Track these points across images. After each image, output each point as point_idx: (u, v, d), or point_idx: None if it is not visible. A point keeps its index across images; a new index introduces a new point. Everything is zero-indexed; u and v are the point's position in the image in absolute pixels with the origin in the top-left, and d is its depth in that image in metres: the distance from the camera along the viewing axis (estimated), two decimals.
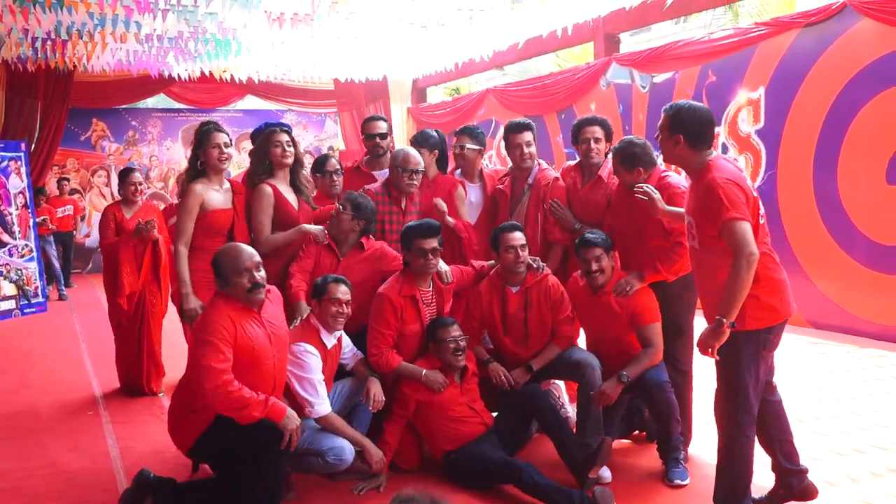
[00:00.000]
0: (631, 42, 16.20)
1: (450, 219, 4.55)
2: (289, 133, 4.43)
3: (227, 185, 4.39)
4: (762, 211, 3.23)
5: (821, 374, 5.82)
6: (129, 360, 5.85)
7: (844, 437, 4.46)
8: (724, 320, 3.01)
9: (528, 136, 4.60)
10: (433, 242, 4.01)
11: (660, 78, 8.84)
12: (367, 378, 3.97)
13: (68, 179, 12.87)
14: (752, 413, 3.19)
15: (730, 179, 3.10)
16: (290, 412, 3.40)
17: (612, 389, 3.91)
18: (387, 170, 4.77)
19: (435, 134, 4.94)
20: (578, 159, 4.60)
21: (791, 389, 5.42)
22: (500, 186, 4.76)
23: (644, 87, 9.05)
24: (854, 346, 6.49)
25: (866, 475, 3.93)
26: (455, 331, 4.00)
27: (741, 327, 3.08)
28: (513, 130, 4.63)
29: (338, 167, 4.81)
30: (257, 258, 3.48)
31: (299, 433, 3.41)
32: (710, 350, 3.09)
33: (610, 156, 4.35)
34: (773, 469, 3.47)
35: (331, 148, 15.17)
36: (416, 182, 4.46)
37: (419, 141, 4.88)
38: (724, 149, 8.06)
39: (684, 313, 4.13)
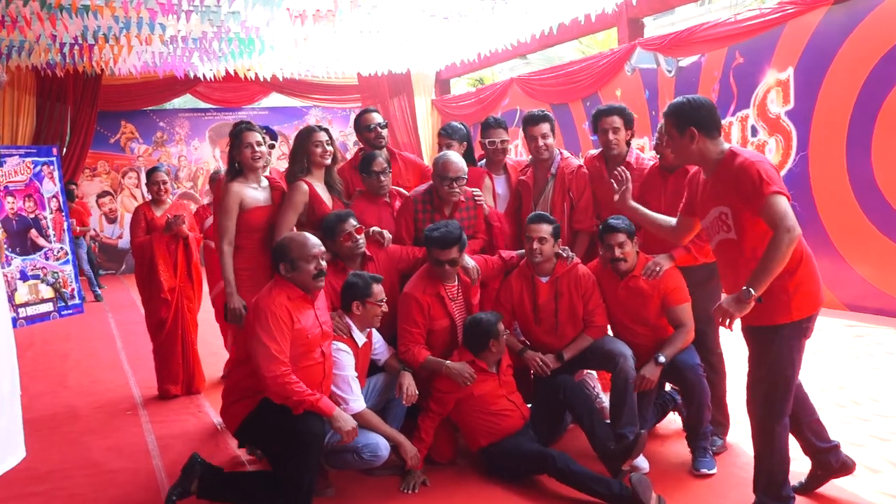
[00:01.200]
0: (654, 26, 16.04)
1: (487, 204, 4.53)
2: (327, 132, 4.44)
3: (265, 182, 4.42)
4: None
5: (860, 358, 5.74)
6: (169, 360, 5.88)
7: (886, 422, 4.39)
8: (753, 292, 2.95)
9: (545, 127, 4.57)
10: (451, 254, 4.00)
11: (686, 61, 8.74)
12: (400, 372, 3.99)
13: (76, 185, 12.81)
14: (790, 403, 3.16)
15: (760, 159, 3.07)
16: (340, 412, 3.51)
17: (652, 373, 3.89)
18: None
19: (462, 126, 4.92)
20: (601, 149, 4.57)
21: (830, 374, 5.36)
22: (523, 178, 4.73)
23: (670, 72, 8.96)
24: (892, 329, 6.39)
25: None
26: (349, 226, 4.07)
27: (787, 319, 3.05)
28: (530, 122, 4.61)
29: (385, 166, 4.51)
30: (322, 247, 3.65)
31: (356, 433, 3.53)
32: (727, 321, 3.00)
33: (633, 142, 4.32)
34: (806, 451, 3.45)
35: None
36: (457, 190, 4.29)
37: (448, 133, 4.86)
38: (754, 131, 7.95)
39: (711, 300, 4.06)
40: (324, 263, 3.62)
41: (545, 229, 4.08)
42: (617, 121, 4.37)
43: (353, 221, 4.10)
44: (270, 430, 3.50)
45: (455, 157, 4.35)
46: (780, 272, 2.96)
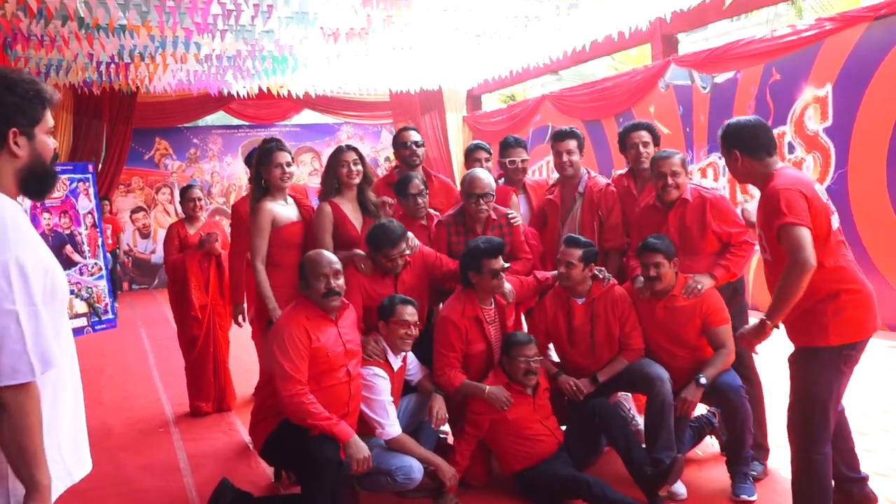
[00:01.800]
0: (687, 42, 15.93)
1: (518, 220, 4.48)
2: (356, 151, 4.40)
3: (290, 199, 4.43)
4: (836, 224, 3.10)
5: None
6: (201, 377, 5.88)
7: None
8: (769, 322, 2.97)
9: (571, 144, 4.54)
10: (501, 261, 3.95)
11: (721, 78, 8.63)
12: (432, 395, 3.93)
13: (109, 200, 12.93)
14: (829, 430, 3.08)
15: (790, 186, 3.01)
16: (356, 440, 3.44)
17: (693, 395, 3.81)
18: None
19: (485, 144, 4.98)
20: (629, 166, 4.51)
21: (873, 396, 5.22)
22: (550, 196, 4.68)
23: (705, 88, 8.86)
24: None
25: None
26: (530, 350, 3.92)
27: (824, 342, 2.98)
28: (557, 138, 4.60)
29: (422, 188, 4.44)
30: (337, 266, 3.62)
31: (369, 463, 3.45)
32: (751, 346, 3.11)
33: None
34: (833, 477, 3.34)
35: (387, 159, 15.23)
36: (484, 207, 4.25)
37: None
38: (791, 148, 7.82)
39: (739, 318, 4.05)
40: (337, 282, 3.57)
41: (574, 254, 4.01)
42: (646, 135, 4.38)
43: (403, 247, 3.99)
44: (289, 450, 3.49)
45: (483, 173, 4.31)
46: (818, 296, 2.95)
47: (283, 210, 4.33)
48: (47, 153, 1.94)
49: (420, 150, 4.82)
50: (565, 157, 4.54)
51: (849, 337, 3.02)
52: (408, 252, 4.05)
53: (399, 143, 4.84)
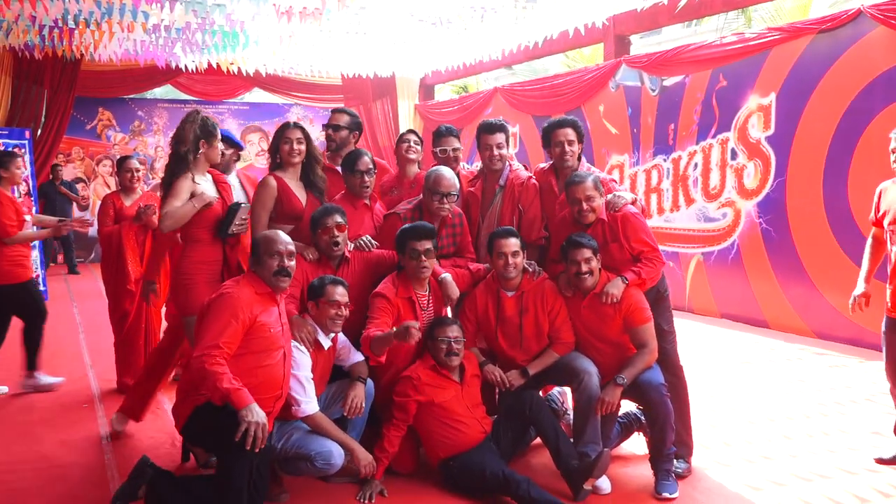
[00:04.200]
0: (641, 44, 16.13)
1: None
2: (302, 130, 4.34)
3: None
4: None
5: (835, 389, 5.69)
6: (130, 353, 5.75)
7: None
8: None
9: (500, 137, 4.48)
10: (427, 244, 3.94)
11: (670, 81, 8.75)
12: (352, 382, 3.89)
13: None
14: None
15: None
16: (255, 407, 3.19)
17: (612, 396, 3.82)
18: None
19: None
20: (551, 162, 4.50)
21: (798, 401, 5.35)
22: (472, 189, 4.64)
23: (654, 91, 8.97)
24: (862, 358, 6.39)
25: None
26: (453, 332, 3.92)
27: None
28: (485, 131, 4.50)
29: (371, 166, 4.41)
30: (292, 247, 3.58)
31: (263, 432, 3.19)
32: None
33: (613, 158, 4.28)
34: None
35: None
36: (447, 206, 4.22)
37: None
38: (734, 154, 7.97)
39: (664, 315, 4.12)
40: (291, 262, 3.54)
41: (515, 243, 4.01)
42: (571, 133, 4.30)
43: (338, 218, 4.00)
44: (208, 430, 3.39)
45: (448, 172, 4.27)
46: None
47: (206, 187, 4.15)
48: None
49: (339, 135, 4.84)
50: (495, 151, 4.46)
51: None
52: (344, 224, 4.02)
53: (328, 125, 4.89)
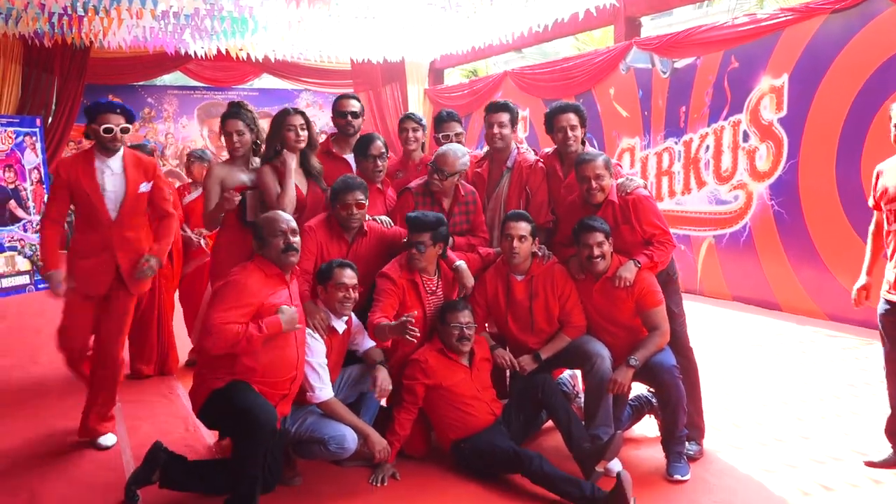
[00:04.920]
0: (651, 26, 16.02)
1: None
2: (303, 115, 4.33)
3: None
4: None
5: (848, 371, 5.68)
6: (143, 340, 5.77)
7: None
8: None
9: (503, 116, 4.48)
10: (422, 237, 3.92)
11: (681, 63, 8.68)
12: (375, 365, 3.91)
13: None
14: None
15: None
16: (286, 310, 3.49)
17: (624, 377, 3.83)
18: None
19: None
20: (556, 147, 4.49)
21: (810, 383, 5.34)
22: (478, 170, 4.63)
23: (664, 73, 8.90)
24: (874, 340, 6.35)
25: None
26: (464, 317, 3.92)
27: None
28: (489, 110, 4.53)
29: (383, 151, 4.42)
30: (293, 224, 3.65)
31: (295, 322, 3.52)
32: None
33: (624, 141, 4.25)
34: None
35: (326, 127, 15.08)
36: (436, 181, 4.23)
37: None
38: (746, 137, 7.92)
39: (674, 298, 4.11)
40: (295, 239, 3.58)
41: (524, 227, 4.01)
42: (573, 118, 4.30)
43: (359, 196, 3.99)
44: (224, 413, 3.42)
45: (453, 152, 4.25)
46: None
47: (235, 174, 4.27)
48: None
49: (357, 122, 4.78)
50: (496, 129, 4.46)
51: None
52: (365, 203, 4.02)
53: (335, 111, 4.80)
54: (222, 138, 4.36)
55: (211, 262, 4.57)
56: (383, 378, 3.85)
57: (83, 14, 8.97)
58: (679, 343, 4.07)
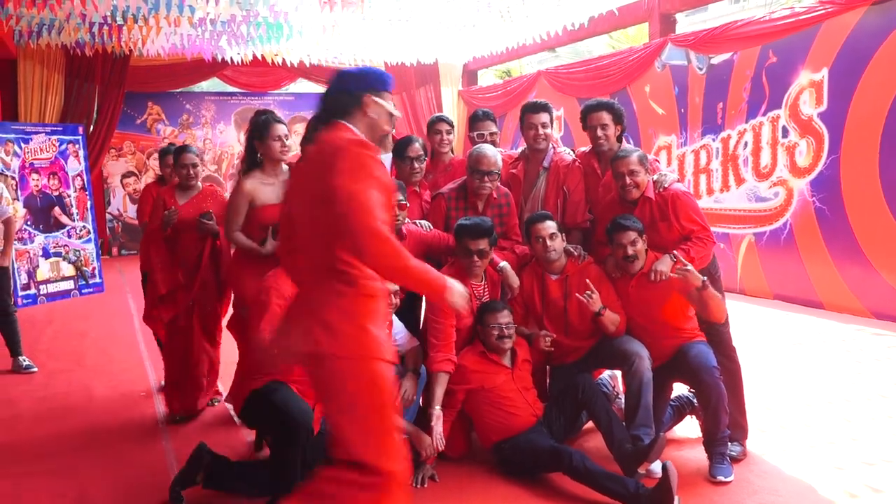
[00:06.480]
0: (686, 22, 15.85)
1: None
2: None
3: (284, 175, 4.24)
4: None
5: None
6: (175, 375, 5.01)
7: None
8: None
9: (544, 117, 4.45)
10: (481, 244, 3.91)
11: (717, 59, 8.58)
12: (406, 373, 3.92)
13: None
14: None
15: None
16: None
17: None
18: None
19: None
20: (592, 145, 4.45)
21: (856, 383, 5.24)
22: (514, 171, 4.60)
23: (701, 69, 8.81)
24: None
25: None
26: (503, 317, 3.91)
27: None
28: (529, 110, 4.48)
29: (421, 153, 4.37)
30: None
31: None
32: None
33: (660, 139, 4.21)
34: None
35: None
36: (488, 184, 4.18)
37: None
38: (785, 132, 7.80)
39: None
40: None
41: (550, 225, 4.01)
42: (605, 117, 4.26)
43: (399, 196, 3.94)
44: (262, 413, 3.45)
45: (490, 151, 4.23)
46: None
47: (266, 190, 4.18)
48: None
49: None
50: (540, 130, 4.42)
51: None
52: (405, 203, 4.00)
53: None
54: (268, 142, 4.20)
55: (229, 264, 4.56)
56: (407, 387, 3.87)
57: (123, 23, 9.15)
58: (722, 343, 4.02)
